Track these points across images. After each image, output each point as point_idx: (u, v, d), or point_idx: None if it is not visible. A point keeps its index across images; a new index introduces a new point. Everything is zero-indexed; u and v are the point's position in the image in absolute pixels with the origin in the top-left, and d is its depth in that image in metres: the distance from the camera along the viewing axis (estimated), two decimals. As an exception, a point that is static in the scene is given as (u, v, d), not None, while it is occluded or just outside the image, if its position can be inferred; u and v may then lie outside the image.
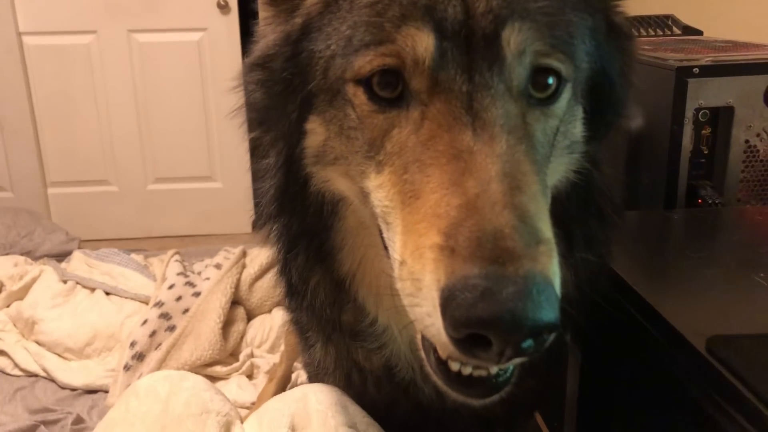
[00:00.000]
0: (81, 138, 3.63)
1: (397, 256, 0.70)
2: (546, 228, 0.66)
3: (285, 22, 0.85)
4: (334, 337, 1.00)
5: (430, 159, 0.69)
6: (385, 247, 0.78)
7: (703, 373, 0.81)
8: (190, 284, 2.52)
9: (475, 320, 0.58)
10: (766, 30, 1.92)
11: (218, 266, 2.60)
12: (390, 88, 0.75)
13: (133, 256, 2.85)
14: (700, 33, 1.90)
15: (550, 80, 0.77)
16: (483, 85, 0.71)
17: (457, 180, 0.66)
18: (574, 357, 1.23)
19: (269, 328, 2.45)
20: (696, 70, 1.36)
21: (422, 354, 0.77)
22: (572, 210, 0.90)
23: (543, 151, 0.77)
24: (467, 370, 0.71)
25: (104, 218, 3.72)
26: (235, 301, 2.48)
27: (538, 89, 0.77)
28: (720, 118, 1.40)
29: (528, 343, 0.61)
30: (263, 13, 0.90)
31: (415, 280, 0.65)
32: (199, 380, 0.99)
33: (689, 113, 1.38)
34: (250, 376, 2.32)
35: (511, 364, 0.71)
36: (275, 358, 2.30)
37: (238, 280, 2.48)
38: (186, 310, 2.40)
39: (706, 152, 1.43)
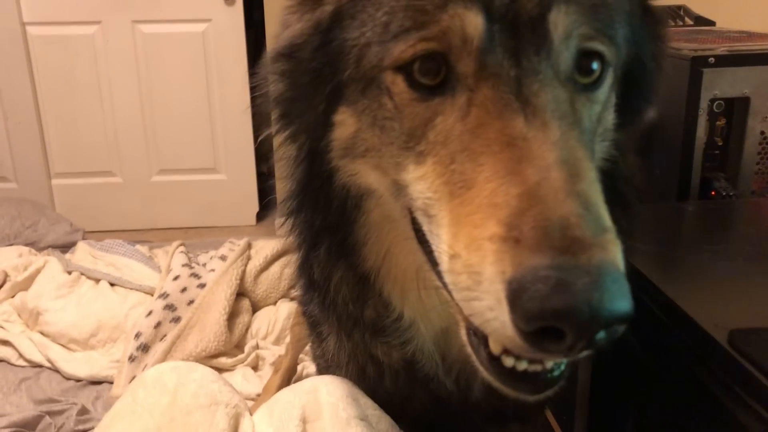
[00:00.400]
0: (85, 129, 3.62)
1: (446, 248, 0.67)
2: (607, 216, 0.64)
3: (313, 10, 0.82)
4: (354, 333, 0.98)
5: (481, 147, 0.66)
6: (421, 242, 0.75)
7: (725, 367, 0.80)
8: (195, 276, 2.51)
9: (550, 312, 0.56)
10: (779, 21, 1.90)
11: (223, 258, 2.58)
12: (431, 75, 0.72)
13: (138, 247, 2.84)
14: (712, 23, 1.88)
15: (595, 65, 0.75)
16: (531, 69, 0.69)
17: (513, 168, 0.63)
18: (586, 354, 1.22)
19: (274, 320, 2.44)
20: (711, 60, 1.33)
21: (469, 350, 0.74)
22: None
23: (590, 138, 0.75)
24: (522, 366, 0.69)
25: (108, 209, 3.71)
26: (240, 293, 2.47)
27: (583, 74, 0.74)
28: (735, 108, 1.38)
29: (601, 334, 0.58)
30: (286, 2, 0.87)
31: (473, 273, 0.62)
32: (207, 371, 0.98)
33: (704, 104, 1.36)
34: (255, 368, 2.31)
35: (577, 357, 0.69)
36: (281, 349, 2.29)
37: (243, 271, 2.47)
38: (191, 302, 2.39)
39: (720, 144, 1.41)
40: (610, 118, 0.83)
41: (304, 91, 0.83)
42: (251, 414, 0.99)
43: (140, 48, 3.52)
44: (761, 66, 1.33)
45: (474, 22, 0.69)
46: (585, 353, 0.62)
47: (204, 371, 0.97)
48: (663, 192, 1.44)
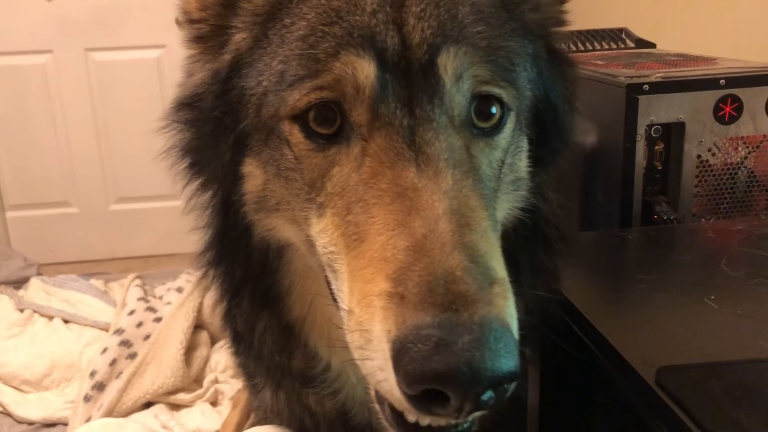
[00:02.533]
0: (39, 159, 3.54)
1: (344, 305, 0.66)
2: (499, 266, 0.63)
3: (213, 60, 0.82)
4: (284, 384, 0.96)
5: (373, 198, 0.66)
6: (335, 299, 0.73)
7: (652, 404, 0.80)
8: (151, 309, 2.46)
9: (430, 375, 0.54)
10: (718, 41, 1.94)
11: (180, 290, 2.54)
12: (327, 124, 0.72)
13: (93, 281, 2.78)
14: (653, 46, 1.92)
15: (494, 109, 0.74)
16: (424, 117, 0.69)
17: (402, 220, 0.63)
18: (534, 376, 1.22)
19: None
20: (646, 87, 1.36)
21: (376, 407, 0.73)
22: (520, 241, 0.88)
23: (490, 185, 0.74)
24: (425, 421, 0.66)
25: (66, 241, 3.63)
26: (198, 325, 2.42)
27: (482, 119, 0.74)
28: (672, 133, 1.40)
29: (488, 395, 0.56)
30: (189, 51, 0.86)
31: (363, 331, 0.61)
32: (137, 428, 0.95)
33: (641, 129, 1.38)
34: (214, 403, 2.26)
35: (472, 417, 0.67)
36: (240, 383, 2.25)
37: (201, 303, 2.43)
38: (147, 337, 2.34)
39: (660, 168, 1.43)
40: (521, 165, 0.82)
41: (209, 140, 0.82)
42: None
43: (94, 76, 3.47)
44: (693, 92, 1.35)
45: (366, 70, 0.69)
46: (476, 414, 0.60)
47: (134, 427, 0.95)
48: (606, 217, 1.46)
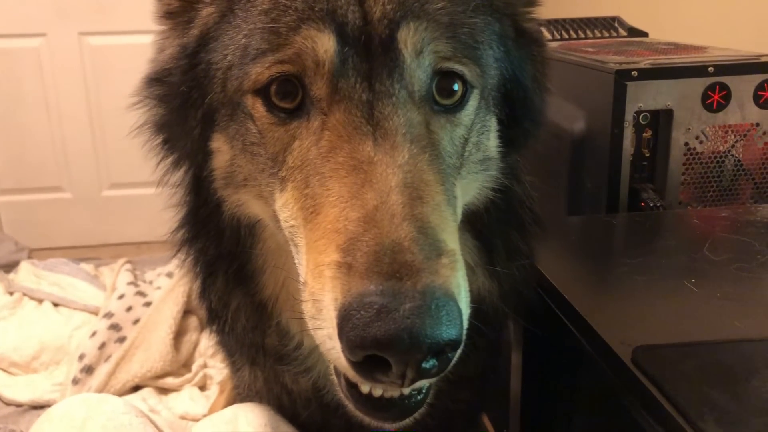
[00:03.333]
0: (32, 144, 3.52)
1: (301, 277, 0.67)
2: (450, 239, 0.63)
3: (182, 35, 0.82)
4: (259, 361, 0.96)
5: (330, 171, 0.66)
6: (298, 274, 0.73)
7: (629, 384, 0.80)
8: (141, 294, 2.46)
9: (370, 341, 0.55)
10: (711, 31, 1.94)
11: (170, 275, 2.54)
12: (289, 98, 0.72)
13: (83, 265, 2.78)
14: (645, 35, 1.91)
15: (456, 86, 0.74)
16: (383, 92, 0.69)
17: (356, 192, 0.63)
18: (516, 361, 1.22)
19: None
20: (635, 73, 1.35)
21: (334, 379, 0.73)
22: (493, 223, 0.88)
23: (450, 161, 0.74)
24: (378, 392, 0.68)
25: (58, 226, 3.62)
26: (188, 310, 2.42)
27: (444, 96, 0.74)
28: (660, 120, 1.40)
29: (430, 363, 0.57)
30: (160, 27, 0.86)
31: (315, 300, 0.62)
32: (120, 403, 0.95)
33: (629, 116, 1.38)
34: (203, 387, 2.27)
35: (419, 385, 0.68)
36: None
37: (191, 288, 2.43)
38: (136, 321, 2.34)
39: (647, 155, 1.43)
40: (490, 144, 0.82)
41: (178, 116, 0.82)
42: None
43: (87, 60, 3.45)
44: (682, 79, 1.35)
45: (326, 45, 0.69)
46: (422, 382, 0.60)
47: (115, 403, 0.95)
48: (593, 203, 1.46)
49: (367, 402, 0.69)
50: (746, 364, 0.78)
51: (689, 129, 1.39)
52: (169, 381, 2.23)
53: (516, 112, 0.85)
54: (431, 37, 0.71)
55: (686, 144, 1.40)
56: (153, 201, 3.87)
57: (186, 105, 0.81)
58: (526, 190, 0.94)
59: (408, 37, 0.70)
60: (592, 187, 1.46)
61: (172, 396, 2.20)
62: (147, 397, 2.14)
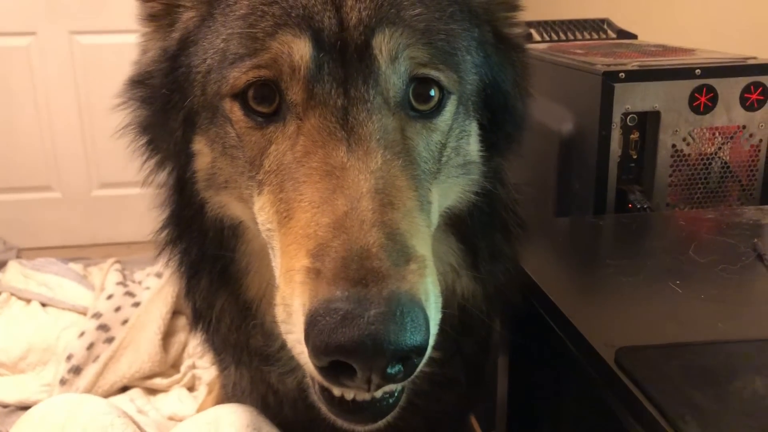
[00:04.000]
0: (21, 143, 3.50)
1: (276, 281, 0.67)
2: (420, 245, 0.64)
3: (164, 38, 0.82)
4: (244, 361, 0.96)
5: (303, 176, 0.67)
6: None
7: (612, 385, 0.80)
8: (130, 294, 2.45)
9: (334, 347, 0.55)
10: (699, 34, 1.95)
11: (159, 275, 2.53)
12: (266, 103, 0.73)
13: (71, 265, 2.76)
14: (634, 37, 1.92)
15: (432, 92, 0.75)
16: (358, 98, 0.69)
17: (327, 198, 0.64)
18: (503, 362, 1.22)
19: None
20: (622, 75, 1.36)
21: (309, 381, 0.74)
22: (476, 226, 0.88)
23: (426, 167, 0.74)
24: (349, 395, 0.68)
25: (47, 226, 3.60)
26: (177, 311, 2.41)
27: (420, 101, 0.74)
28: (647, 122, 1.40)
29: (396, 368, 0.58)
30: (143, 29, 0.86)
31: (286, 305, 0.63)
32: (102, 404, 0.94)
33: (617, 118, 1.38)
34: (191, 388, 2.26)
35: (389, 389, 0.68)
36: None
37: (180, 288, 2.42)
38: (125, 321, 2.33)
39: (635, 157, 1.44)
40: (471, 149, 0.82)
41: (160, 118, 0.83)
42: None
43: (78, 59, 3.43)
44: (669, 81, 1.36)
45: (301, 50, 0.70)
46: (390, 387, 0.61)
47: (97, 403, 0.94)
48: (580, 205, 1.46)
49: (340, 405, 0.70)
50: (729, 365, 0.78)
51: (676, 131, 1.39)
52: (158, 382, 2.22)
53: (498, 116, 0.85)
54: (407, 43, 0.72)
55: (673, 146, 1.40)
56: (142, 201, 3.84)
57: (167, 107, 0.82)
58: (509, 193, 0.95)
59: (383, 44, 0.71)
60: (579, 188, 1.46)
61: (160, 397, 2.19)
62: (135, 397, 2.13)
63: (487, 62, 0.82)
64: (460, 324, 0.93)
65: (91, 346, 2.26)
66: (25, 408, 2.21)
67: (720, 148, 1.42)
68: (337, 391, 0.68)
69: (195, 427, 0.96)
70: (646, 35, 1.95)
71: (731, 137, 1.42)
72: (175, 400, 2.15)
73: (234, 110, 0.74)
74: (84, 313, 2.44)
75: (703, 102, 1.39)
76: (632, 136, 1.42)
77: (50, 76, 3.43)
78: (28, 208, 3.59)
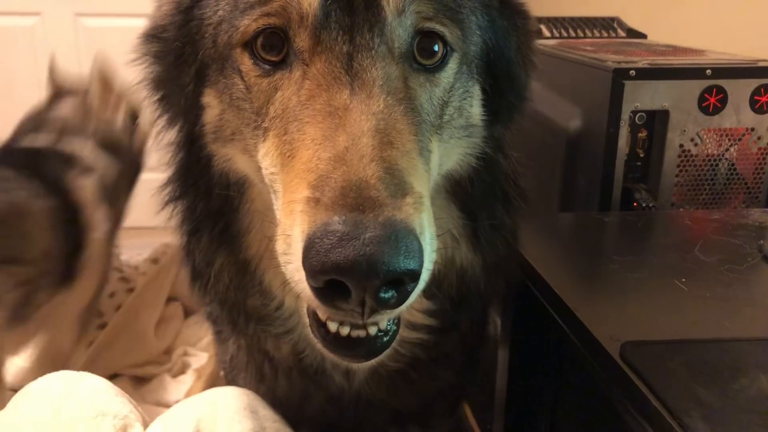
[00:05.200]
0: (22, 124, 3.49)
1: (277, 218, 0.70)
2: (418, 183, 0.66)
3: None
4: (241, 325, 0.96)
5: (307, 117, 0.69)
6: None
7: (616, 379, 0.80)
8: (125, 280, 2.44)
9: (330, 265, 0.57)
10: (709, 35, 1.94)
11: (155, 261, 2.52)
12: (275, 51, 0.75)
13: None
14: (644, 36, 1.91)
15: (436, 47, 0.77)
16: (364, 45, 0.71)
17: (329, 135, 0.66)
18: (503, 355, 1.22)
19: (207, 325, 2.38)
20: (632, 73, 1.35)
21: (306, 319, 0.76)
22: (477, 194, 0.89)
23: (428, 119, 0.76)
24: (345, 331, 0.71)
25: (45, 208, 3.58)
26: (172, 297, 2.41)
27: (425, 56, 0.76)
28: (656, 121, 1.40)
29: (389, 293, 0.60)
30: None
31: (286, 236, 0.64)
32: (98, 381, 0.94)
33: (625, 115, 1.37)
34: (180, 375, 2.25)
35: (382, 323, 0.70)
36: (207, 356, 2.24)
37: (176, 275, 2.41)
38: (119, 307, 2.32)
39: (642, 155, 1.43)
40: (473, 110, 0.83)
41: (172, 72, 0.84)
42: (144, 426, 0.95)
43: (83, 42, 3.41)
44: (679, 80, 1.35)
45: None
46: (383, 317, 0.64)
47: (94, 381, 0.93)
48: (586, 201, 1.45)
49: (335, 341, 0.72)
50: (734, 363, 0.78)
51: (684, 131, 1.39)
52: (150, 369, 2.21)
53: (500, 83, 0.86)
54: None
55: (681, 146, 1.40)
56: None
57: (180, 61, 0.83)
58: (511, 164, 0.95)
59: None
60: (585, 184, 1.45)
61: (153, 382, 2.18)
62: (123, 387, 2.12)
63: (492, 26, 0.84)
64: (458, 295, 0.93)
65: (85, 331, 2.24)
66: (16, 390, 2.20)
67: (727, 150, 1.42)
68: (333, 326, 0.71)
69: (192, 409, 0.95)
70: (655, 35, 1.94)
71: (739, 139, 1.41)
72: (161, 388, 2.14)
73: (243, 59, 0.76)
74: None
75: (713, 103, 1.38)
76: (640, 134, 1.41)
77: (54, 57, 3.41)
78: (26, 189, 3.58)
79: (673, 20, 2.08)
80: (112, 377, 2.17)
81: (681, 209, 1.42)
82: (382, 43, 0.72)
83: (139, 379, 2.18)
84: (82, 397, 0.89)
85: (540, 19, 1.90)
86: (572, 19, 1.92)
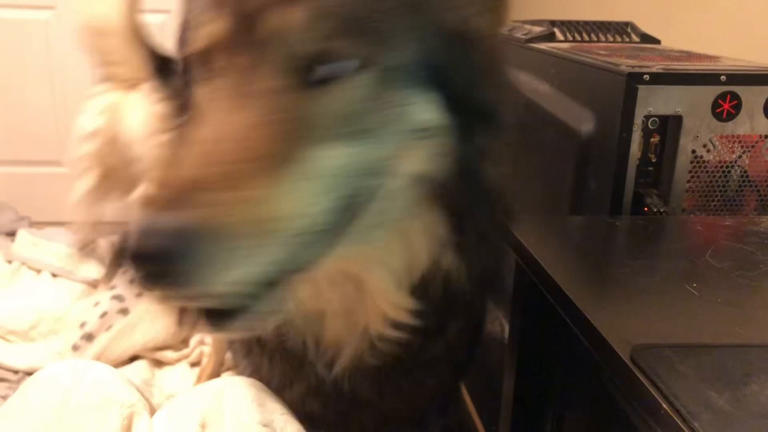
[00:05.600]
0: (33, 116, 3.51)
1: None
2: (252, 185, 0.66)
3: None
4: None
5: (188, 132, 0.72)
6: None
7: (626, 382, 0.80)
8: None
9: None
10: (723, 42, 1.93)
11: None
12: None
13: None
14: (657, 42, 1.91)
15: (335, 62, 0.74)
16: (253, 64, 0.72)
17: (191, 143, 0.69)
18: (510, 357, 1.22)
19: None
20: (646, 77, 1.35)
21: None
22: (461, 201, 0.88)
23: (319, 133, 0.74)
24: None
25: (56, 201, 3.60)
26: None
27: (321, 71, 0.75)
28: (668, 126, 1.39)
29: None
30: None
31: None
32: (107, 369, 0.94)
33: (638, 120, 1.37)
34: (197, 364, 2.28)
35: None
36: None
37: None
38: (140, 294, 2.34)
39: (654, 160, 1.43)
40: (419, 117, 0.80)
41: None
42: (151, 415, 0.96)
43: (96, 36, 3.43)
44: (693, 86, 1.35)
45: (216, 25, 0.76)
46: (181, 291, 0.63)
47: (102, 369, 0.94)
48: (597, 205, 1.45)
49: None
50: (746, 368, 0.78)
51: (697, 137, 1.38)
52: (168, 354, 2.24)
53: (462, 97, 0.83)
54: (311, 17, 0.73)
55: (693, 151, 1.39)
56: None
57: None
58: (500, 179, 0.93)
59: (288, 15, 0.73)
60: (596, 188, 1.45)
61: (168, 369, 2.22)
62: (141, 369, 2.14)
63: (435, 42, 0.80)
64: (444, 301, 0.93)
65: (104, 315, 2.28)
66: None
67: (740, 157, 1.41)
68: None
69: (199, 399, 0.96)
70: (669, 41, 1.94)
71: (752, 146, 1.41)
72: (179, 376, 2.16)
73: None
74: (94, 285, 2.46)
75: (726, 109, 1.37)
76: (652, 139, 1.41)
77: (67, 51, 3.43)
78: (39, 182, 3.60)
79: (687, 26, 2.07)
80: (131, 360, 2.20)
81: (692, 215, 1.41)
82: (272, 62, 0.73)
83: (158, 363, 2.21)
84: (90, 385, 0.90)
85: (553, 23, 1.90)
86: (586, 23, 1.92)
